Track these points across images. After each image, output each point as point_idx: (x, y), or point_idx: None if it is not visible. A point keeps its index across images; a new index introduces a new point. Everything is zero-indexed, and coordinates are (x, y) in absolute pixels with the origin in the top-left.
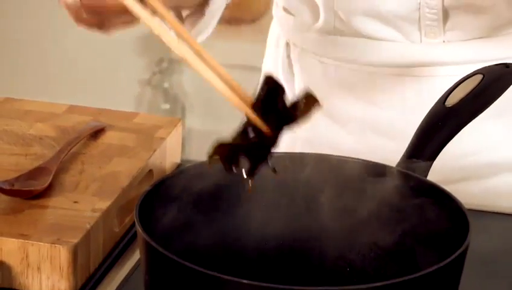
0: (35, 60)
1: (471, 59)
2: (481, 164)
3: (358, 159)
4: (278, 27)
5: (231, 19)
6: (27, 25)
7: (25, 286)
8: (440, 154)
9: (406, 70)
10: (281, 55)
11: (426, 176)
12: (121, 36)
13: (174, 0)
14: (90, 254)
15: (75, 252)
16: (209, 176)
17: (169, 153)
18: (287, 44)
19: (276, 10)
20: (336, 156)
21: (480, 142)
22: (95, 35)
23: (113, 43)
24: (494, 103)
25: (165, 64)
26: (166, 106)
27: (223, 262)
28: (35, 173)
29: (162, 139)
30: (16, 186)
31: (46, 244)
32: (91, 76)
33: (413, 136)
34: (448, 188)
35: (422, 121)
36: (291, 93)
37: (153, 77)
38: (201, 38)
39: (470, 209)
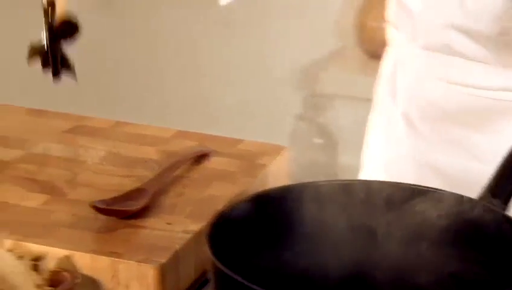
0: (183, 89)
1: None
2: None
3: (437, 189)
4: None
5: (373, 54)
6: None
7: None
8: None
9: (504, 94)
10: (389, 72)
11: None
12: (276, 68)
13: None
14: (179, 275)
15: (163, 272)
16: (283, 202)
17: (273, 181)
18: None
19: (389, 29)
20: (413, 185)
21: None
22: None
23: (267, 74)
24: None
25: (319, 99)
26: (320, 141)
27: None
28: (133, 194)
29: (264, 165)
30: (113, 206)
31: (135, 262)
32: (242, 107)
33: (496, 171)
34: None
35: (507, 156)
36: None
37: (307, 112)
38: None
39: None
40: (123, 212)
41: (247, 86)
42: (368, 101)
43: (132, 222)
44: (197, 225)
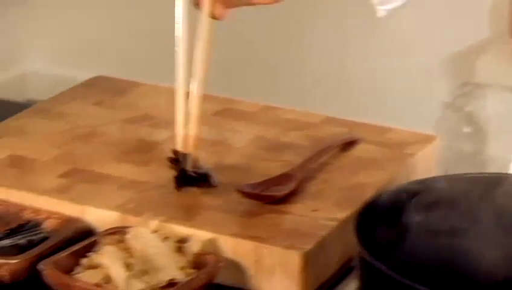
0: (332, 71)
1: None
2: None
3: None
4: None
5: None
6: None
7: (257, 287)
8: None
9: None
10: None
11: None
12: (426, 56)
13: None
14: (323, 262)
15: (307, 259)
16: (433, 193)
17: (422, 170)
18: None
19: None
20: None
21: None
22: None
23: (416, 62)
24: None
25: (469, 87)
26: (468, 130)
27: (438, 282)
28: (279, 179)
29: (413, 155)
30: (258, 191)
31: (279, 248)
32: (390, 94)
33: None
34: None
35: None
36: None
37: (455, 100)
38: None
39: None
40: (269, 197)
41: (396, 73)
42: None
43: (277, 207)
44: (344, 212)
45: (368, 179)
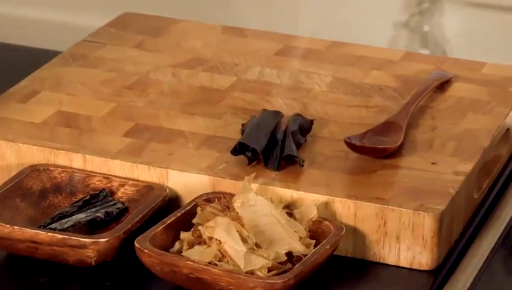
0: None
1: None
2: None
3: None
4: None
5: None
6: None
7: (380, 257)
8: None
9: None
10: None
11: None
12: None
13: None
14: (453, 223)
15: (440, 221)
16: None
17: None
18: None
19: None
20: None
21: None
22: None
23: None
24: None
25: (425, 4)
26: (426, 51)
27: None
28: (384, 129)
29: None
30: (365, 143)
31: (408, 210)
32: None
33: None
34: None
35: None
36: None
37: (411, 19)
38: None
39: None
40: (381, 150)
41: None
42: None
43: (390, 161)
44: (466, 164)
45: (477, 123)
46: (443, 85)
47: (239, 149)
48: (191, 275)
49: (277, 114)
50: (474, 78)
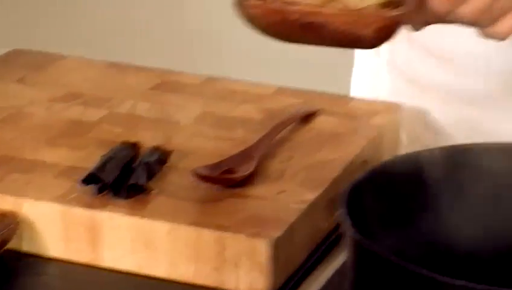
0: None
1: None
2: None
3: None
4: None
5: None
6: None
7: (220, 282)
8: None
9: None
10: None
11: None
12: None
13: None
14: (292, 250)
15: (276, 247)
16: (421, 168)
17: (387, 143)
18: None
19: None
20: None
21: None
22: None
23: None
24: None
25: None
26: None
27: (431, 262)
28: (237, 159)
29: (379, 126)
30: (216, 173)
31: (245, 236)
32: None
33: None
34: None
35: None
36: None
37: None
38: None
39: None
40: (229, 180)
41: None
42: None
43: (238, 190)
44: (313, 193)
45: (332, 154)
46: (308, 118)
47: (90, 179)
48: (301, 21)
49: (133, 146)
50: (338, 111)
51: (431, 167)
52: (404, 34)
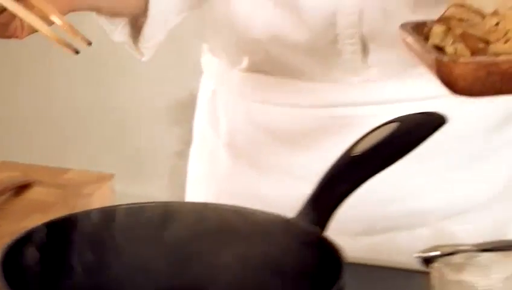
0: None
1: (395, 98)
2: (405, 213)
3: (248, 209)
4: (206, 74)
5: None
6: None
7: None
8: (362, 201)
9: (329, 111)
10: (206, 101)
11: (324, 225)
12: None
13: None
14: None
15: None
16: (88, 226)
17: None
18: (213, 90)
19: (204, 57)
20: (224, 205)
21: (402, 189)
22: None
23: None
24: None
25: None
26: None
27: None
28: None
29: (88, 195)
30: None
31: None
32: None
33: (316, 185)
34: (375, 238)
35: (327, 170)
36: (216, 138)
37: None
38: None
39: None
40: None
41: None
42: None
43: None
44: None
45: (37, 222)
46: (23, 189)
47: None
48: (510, 70)
49: None
50: (54, 182)
51: (87, 226)
52: (244, 116)
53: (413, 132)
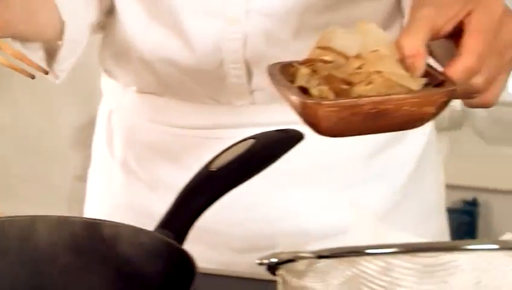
0: None
1: (279, 121)
2: (289, 232)
3: (104, 221)
4: (104, 95)
5: None
6: None
7: None
8: (248, 219)
9: (215, 132)
10: (104, 121)
11: (183, 237)
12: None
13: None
14: None
15: None
16: None
17: None
18: (110, 110)
19: (102, 79)
20: (89, 219)
21: (288, 208)
22: None
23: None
24: (298, 168)
25: None
26: None
27: None
28: None
29: None
30: None
31: None
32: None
33: (175, 198)
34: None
35: (186, 184)
36: (112, 156)
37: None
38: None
39: None
40: None
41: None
42: None
43: None
44: None
45: None
46: None
47: None
48: (372, 111)
49: None
50: None
51: None
52: (136, 135)
53: (269, 147)
